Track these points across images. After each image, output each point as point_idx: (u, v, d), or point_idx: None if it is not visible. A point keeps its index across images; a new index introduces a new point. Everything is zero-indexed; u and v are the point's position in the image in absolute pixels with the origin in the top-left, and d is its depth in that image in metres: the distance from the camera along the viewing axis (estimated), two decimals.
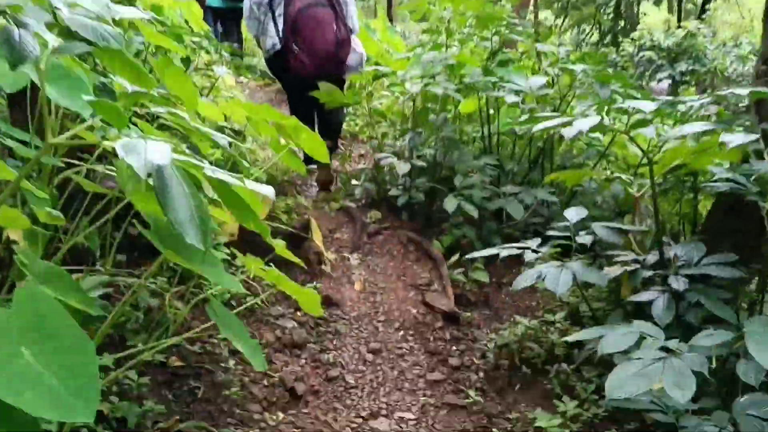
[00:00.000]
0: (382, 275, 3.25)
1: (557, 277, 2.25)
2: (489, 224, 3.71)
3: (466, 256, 2.84)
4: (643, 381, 1.62)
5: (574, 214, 2.64)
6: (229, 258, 2.66)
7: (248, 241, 3.13)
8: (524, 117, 3.38)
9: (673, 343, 1.80)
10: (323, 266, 3.22)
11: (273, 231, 3.21)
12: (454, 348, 2.74)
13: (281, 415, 2.16)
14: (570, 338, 1.95)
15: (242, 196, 1.52)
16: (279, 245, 2.41)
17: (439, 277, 3.29)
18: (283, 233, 3.17)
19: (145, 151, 1.17)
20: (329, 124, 4.34)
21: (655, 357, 1.70)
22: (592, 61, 4.11)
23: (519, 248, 2.55)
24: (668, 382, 1.61)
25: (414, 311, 2.96)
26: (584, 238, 2.49)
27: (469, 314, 3.02)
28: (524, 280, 2.34)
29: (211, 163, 1.44)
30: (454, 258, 3.34)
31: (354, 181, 4.47)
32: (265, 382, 2.28)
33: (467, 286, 3.23)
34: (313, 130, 4.00)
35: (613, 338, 1.79)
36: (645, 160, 2.54)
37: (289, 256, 2.40)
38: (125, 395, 1.95)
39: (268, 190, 3.29)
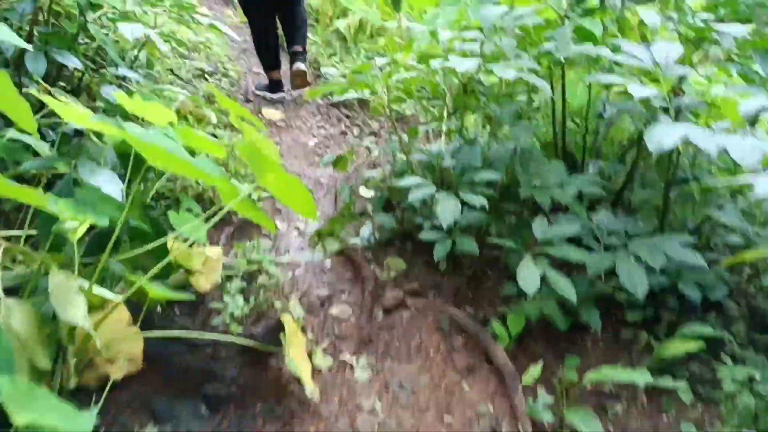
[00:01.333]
0: (409, 410, 1.85)
1: None
2: (578, 282, 2.29)
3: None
4: None
5: None
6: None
7: (161, 365, 1.77)
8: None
9: None
10: (307, 391, 1.84)
11: (216, 347, 1.83)
12: None
13: None
14: None
15: None
16: None
17: (510, 409, 1.89)
18: (234, 350, 1.79)
19: None
20: (294, 24, 4.00)
21: None
22: (733, 13, 2.59)
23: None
24: None
25: None
26: None
27: None
28: None
29: None
30: (534, 370, 1.94)
31: (363, 191, 3.03)
32: None
33: (558, 428, 1.84)
34: (276, 38, 4.04)
35: None
36: None
37: None
38: None
39: (214, 252, 1.60)
